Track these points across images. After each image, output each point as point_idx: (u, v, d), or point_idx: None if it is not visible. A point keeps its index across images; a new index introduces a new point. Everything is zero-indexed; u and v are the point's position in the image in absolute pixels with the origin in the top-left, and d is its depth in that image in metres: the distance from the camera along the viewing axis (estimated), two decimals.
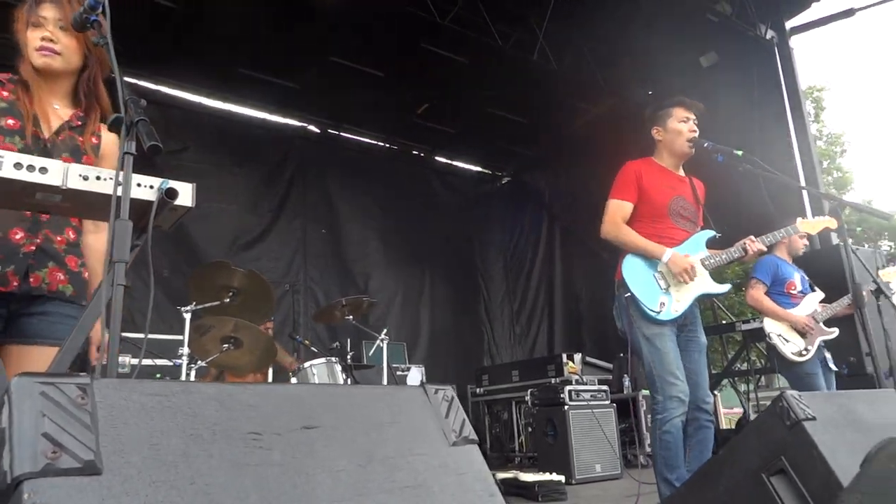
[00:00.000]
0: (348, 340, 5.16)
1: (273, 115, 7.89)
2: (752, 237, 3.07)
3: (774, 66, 6.52)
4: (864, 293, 3.40)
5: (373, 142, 8.72)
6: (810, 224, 3.40)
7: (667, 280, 2.97)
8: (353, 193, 8.11)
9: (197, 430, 0.85)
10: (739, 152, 2.99)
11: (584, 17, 6.60)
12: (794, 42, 6.64)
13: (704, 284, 3.01)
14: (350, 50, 6.76)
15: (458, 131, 8.59)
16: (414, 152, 9.15)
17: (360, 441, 0.95)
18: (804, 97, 7.16)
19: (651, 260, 3.00)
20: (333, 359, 4.55)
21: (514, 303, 9.47)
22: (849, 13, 6.22)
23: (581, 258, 8.68)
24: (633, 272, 2.99)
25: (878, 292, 3.92)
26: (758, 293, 4.17)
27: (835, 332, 4.03)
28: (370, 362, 5.80)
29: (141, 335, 2.80)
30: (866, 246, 9.40)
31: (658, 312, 2.89)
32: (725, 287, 3.12)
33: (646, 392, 6.07)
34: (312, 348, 5.14)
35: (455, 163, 9.65)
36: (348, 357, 4.86)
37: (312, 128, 8.19)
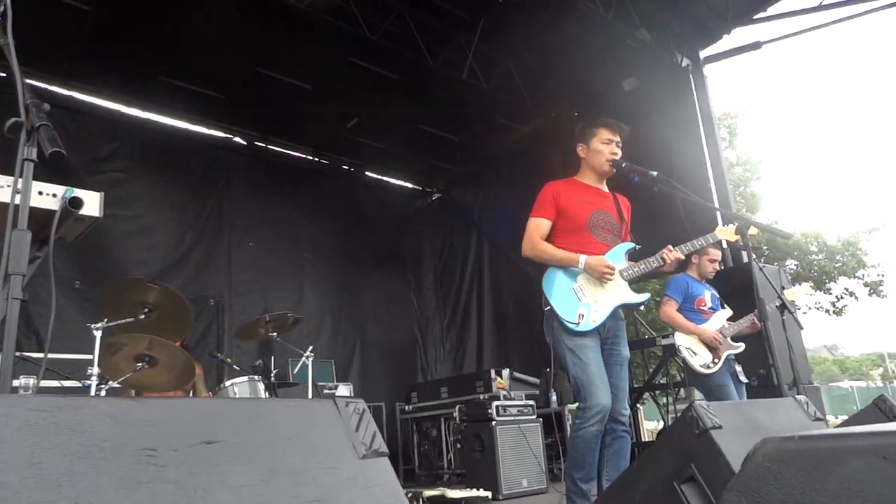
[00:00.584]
0: (272, 358, 5.03)
1: (197, 126, 7.64)
2: (671, 246, 3.16)
3: (690, 93, 6.89)
4: (769, 307, 3.60)
5: (301, 155, 8.58)
6: (726, 231, 3.57)
7: (585, 291, 3.05)
8: (282, 207, 7.92)
9: (85, 447, 0.80)
10: (655, 173, 3.13)
11: (512, 38, 6.77)
12: (708, 70, 7.06)
13: (623, 294, 3.09)
14: (277, 61, 6.66)
15: (387, 146, 8.57)
16: (344, 167, 9.06)
17: (265, 455, 0.92)
18: (718, 123, 7.58)
19: (571, 272, 3.07)
20: (256, 377, 4.41)
21: (444, 319, 9.46)
22: (756, 46, 6.66)
23: (508, 274, 8.78)
24: (553, 285, 3.06)
25: (783, 307, 4.17)
26: (670, 309, 4.38)
27: (741, 347, 4.25)
28: (296, 380, 5.65)
29: (50, 355, 2.63)
30: (775, 264, 9.97)
31: (577, 324, 2.95)
32: (644, 296, 3.22)
33: (571, 406, 6.18)
34: (235, 366, 4.97)
35: (385, 178, 9.62)
36: (272, 375, 4.72)
37: (238, 139, 7.98)
